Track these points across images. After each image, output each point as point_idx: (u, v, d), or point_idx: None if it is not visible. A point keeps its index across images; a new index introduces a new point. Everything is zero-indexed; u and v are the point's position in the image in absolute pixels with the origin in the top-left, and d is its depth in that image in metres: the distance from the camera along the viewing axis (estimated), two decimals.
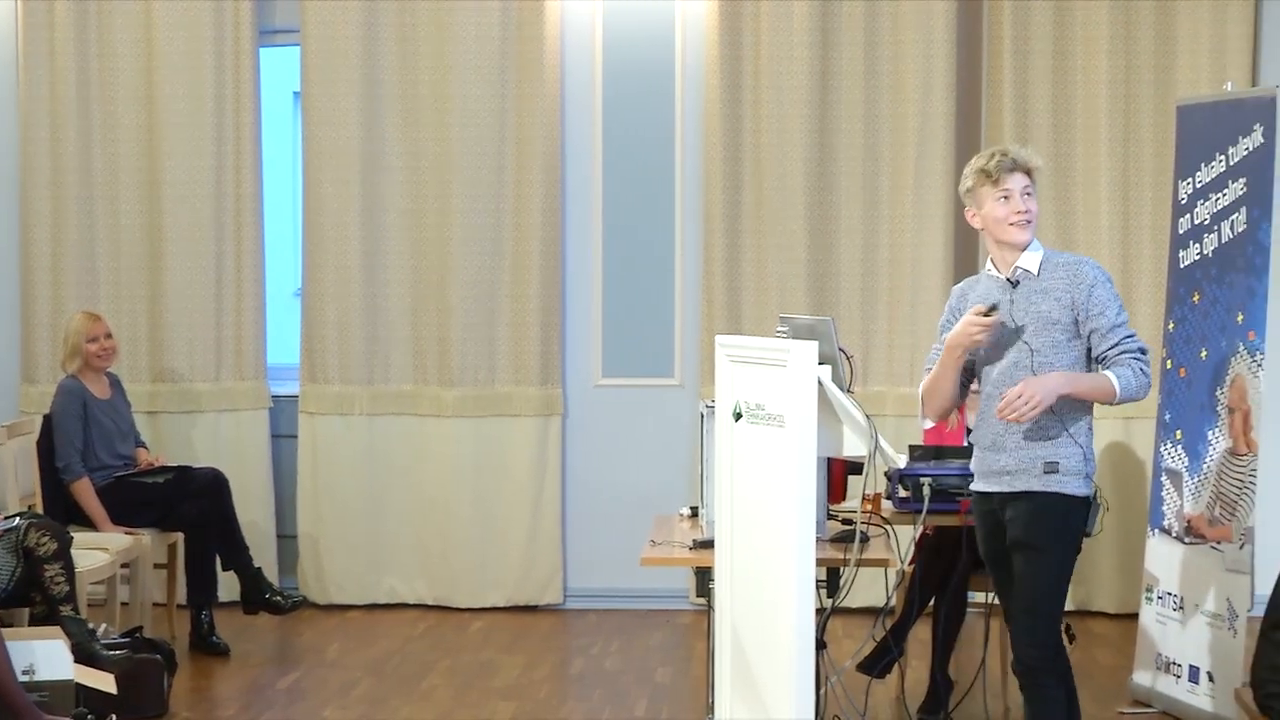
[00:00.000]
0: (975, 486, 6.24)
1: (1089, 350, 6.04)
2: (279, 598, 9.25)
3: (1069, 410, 6.03)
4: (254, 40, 10.12)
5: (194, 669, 8.81)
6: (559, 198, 10.07)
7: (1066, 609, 6.45)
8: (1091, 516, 6.15)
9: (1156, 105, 9.71)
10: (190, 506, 9.15)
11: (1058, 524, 6.05)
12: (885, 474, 7.38)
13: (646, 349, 10.17)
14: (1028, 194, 6.07)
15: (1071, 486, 6.03)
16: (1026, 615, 6.07)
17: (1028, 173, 6.08)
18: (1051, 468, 6.02)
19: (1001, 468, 6.09)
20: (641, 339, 10.16)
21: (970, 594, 7.98)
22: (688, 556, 6.82)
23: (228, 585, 9.51)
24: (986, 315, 5.95)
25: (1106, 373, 5.98)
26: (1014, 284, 6.06)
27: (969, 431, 8.04)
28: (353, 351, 10.13)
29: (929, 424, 6.43)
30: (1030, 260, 6.09)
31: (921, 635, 8.13)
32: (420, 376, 10.18)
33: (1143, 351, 6.02)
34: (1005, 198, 6.05)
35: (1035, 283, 6.05)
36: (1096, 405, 6.09)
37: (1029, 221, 6.07)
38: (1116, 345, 5.99)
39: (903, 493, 7.37)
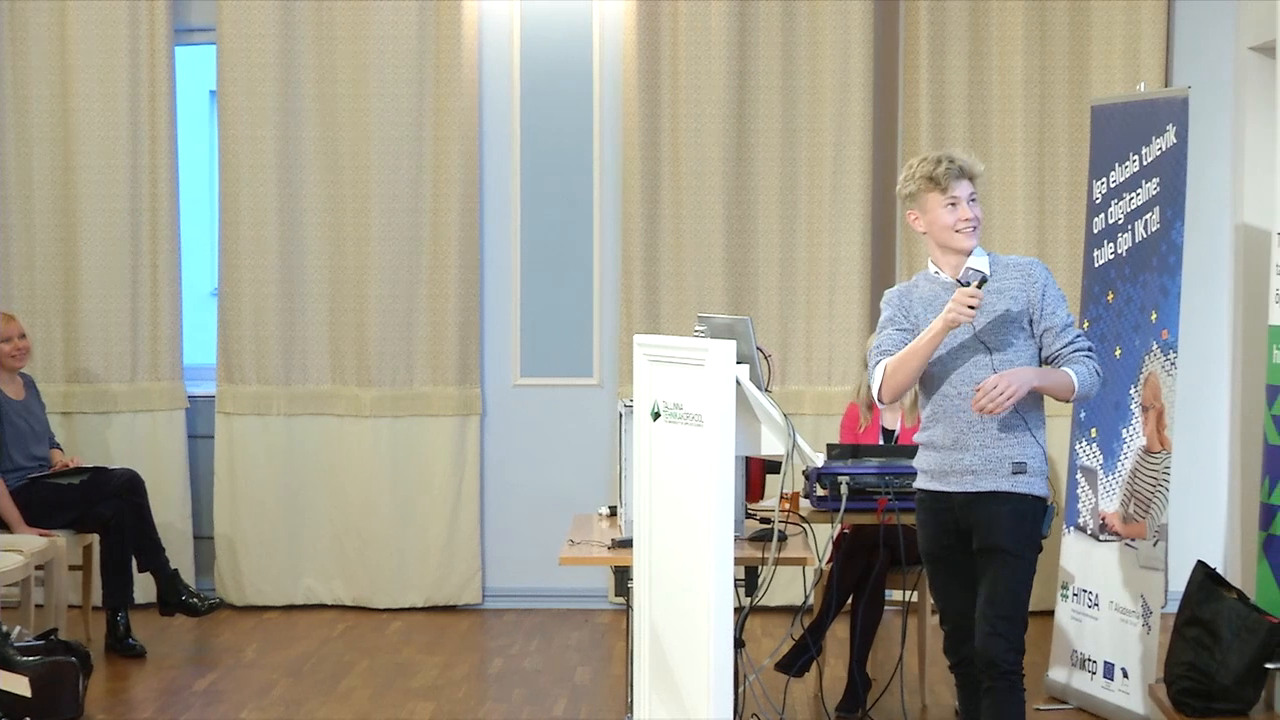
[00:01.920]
0: (928, 486, 6.19)
1: (1039, 350, 6.09)
2: (195, 599, 9.19)
3: (1031, 409, 6.07)
4: (169, 39, 10.06)
5: (110, 671, 8.75)
6: (477, 198, 10.06)
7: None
8: (1047, 518, 6.18)
9: (1071, 105, 9.78)
10: (106, 508, 9.09)
11: (1031, 527, 6.09)
12: (803, 473, 7.41)
13: (565, 348, 10.17)
14: (973, 200, 6.10)
15: (1037, 487, 6.08)
16: (1005, 621, 6.05)
17: (972, 179, 6.11)
18: (1019, 468, 6.05)
19: (965, 467, 6.08)
20: (560, 338, 10.16)
21: (888, 592, 8.01)
22: (606, 556, 6.83)
23: (144, 587, 9.44)
24: (978, 289, 5.93)
25: (1065, 369, 6.03)
26: (964, 285, 6.08)
27: (888, 433, 8.10)
28: (270, 351, 10.09)
29: (883, 405, 6.41)
30: (980, 262, 6.12)
31: (839, 633, 8.16)
32: (338, 376, 10.15)
33: (1091, 350, 6.08)
34: (953, 204, 6.08)
35: (988, 282, 6.07)
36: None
37: (975, 228, 6.10)
38: (1070, 344, 6.04)
39: (820, 491, 7.39)
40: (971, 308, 5.88)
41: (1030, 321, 6.06)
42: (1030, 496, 6.06)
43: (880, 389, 6.10)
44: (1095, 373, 6.05)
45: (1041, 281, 6.06)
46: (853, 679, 7.85)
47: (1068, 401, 6.15)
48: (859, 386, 8.31)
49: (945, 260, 6.14)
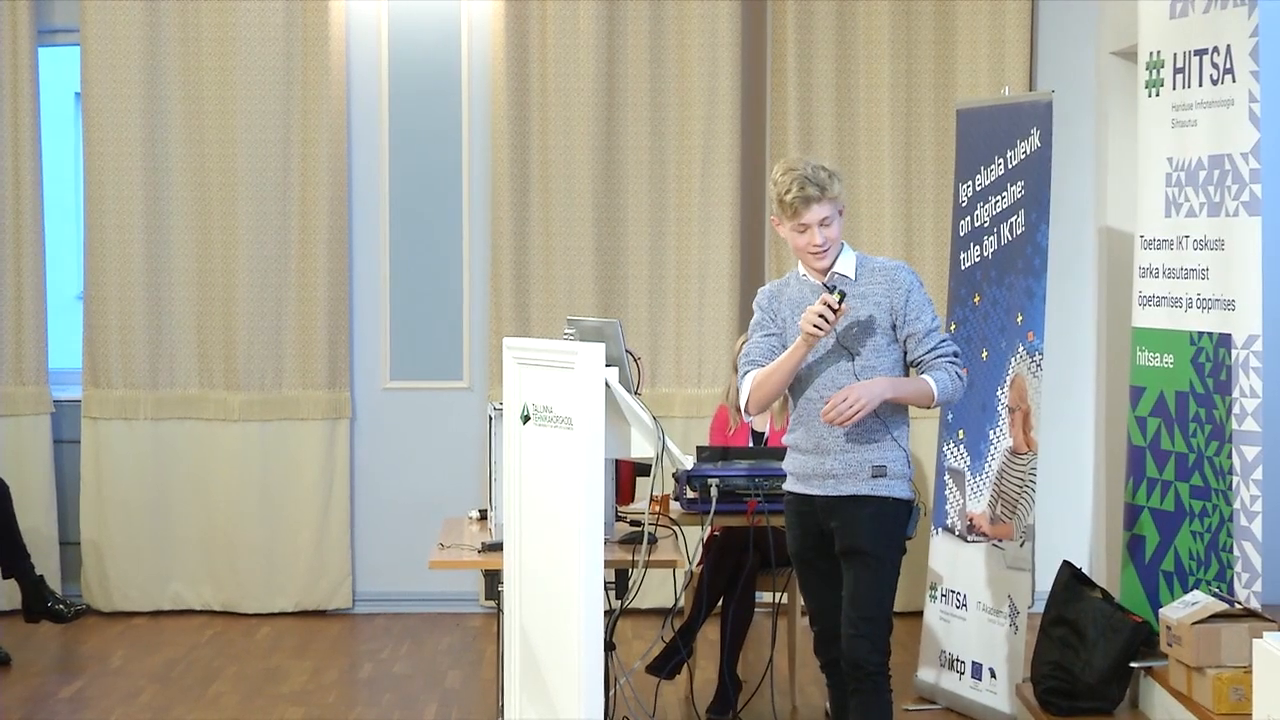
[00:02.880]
0: (793, 488, 6.22)
1: (904, 354, 6.12)
2: (61, 605, 9.09)
3: (891, 414, 6.08)
4: (32, 39, 9.93)
5: None
6: (345, 200, 10.01)
7: None
8: (912, 520, 6.21)
9: (937, 108, 9.86)
10: None
11: (891, 529, 6.12)
12: (673, 475, 7.42)
13: (435, 351, 10.14)
14: (825, 224, 6.06)
15: (899, 490, 6.10)
16: (868, 622, 6.08)
17: (828, 198, 6.04)
18: (879, 471, 6.07)
19: (826, 471, 6.10)
20: (429, 341, 10.13)
21: (758, 594, 8.03)
22: (476, 559, 6.83)
23: (8, 593, 9.34)
24: (838, 304, 5.90)
25: (925, 377, 6.05)
26: (830, 289, 6.09)
27: (758, 435, 8.12)
28: (136, 355, 9.99)
29: (750, 417, 6.43)
30: (845, 266, 6.13)
31: (710, 635, 8.18)
32: (206, 380, 10.06)
33: (956, 355, 6.11)
34: (803, 231, 6.09)
35: (852, 287, 6.08)
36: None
37: (826, 250, 6.08)
38: (933, 350, 6.06)
39: (690, 494, 7.42)
40: (827, 320, 5.88)
41: (894, 326, 6.09)
42: (891, 499, 6.10)
43: (747, 402, 6.13)
44: (957, 377, 6.08)
45: (906, 286, 6.08)
46: (723, 681, 7.86)
47: (928, 408, 6.20)
48: (728, 389, 8.33)
49: (810, 264, 6.18)
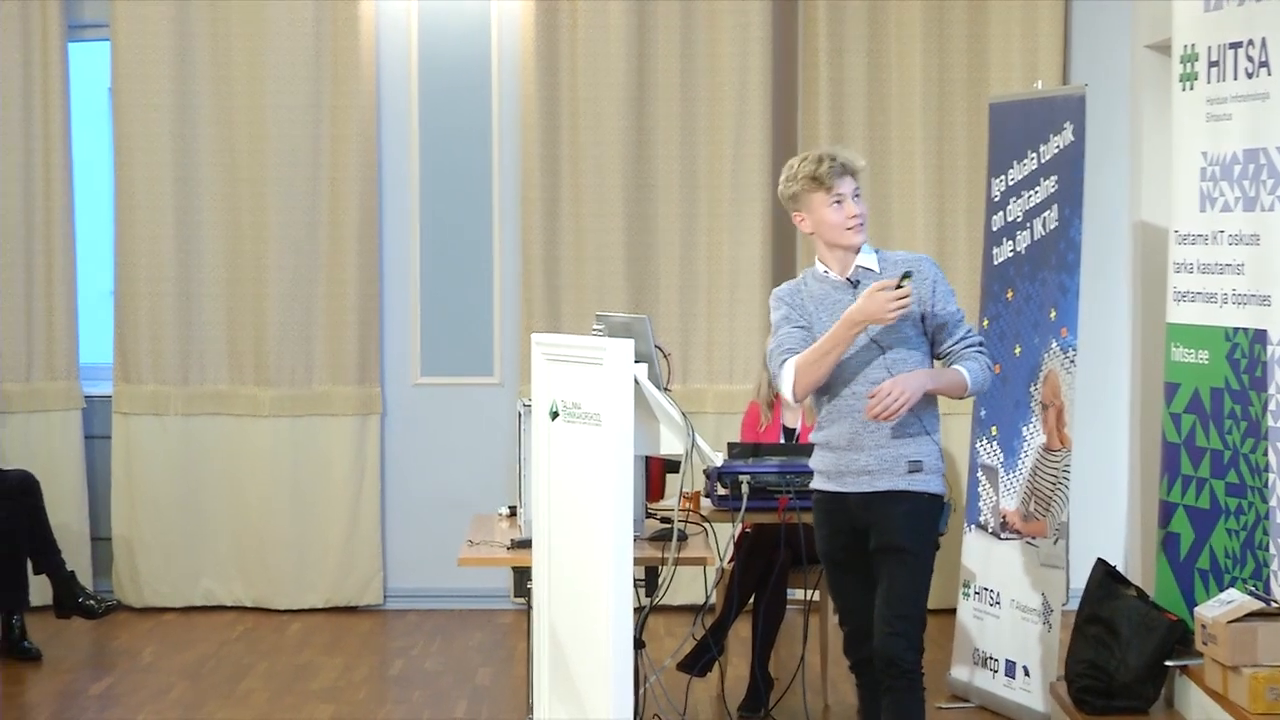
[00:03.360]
0: (824, 486, 6.17)
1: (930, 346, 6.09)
2: (92, 601, 9.10)
3: (924, 408, 6.05)
4: (63, 35, 9.93)
5: (5, 675, 8.63)
6: (375, 195, 10.00)
7: None
8: (944, 516, 6.18)
9: (970, 103, 9.81)
10: (0, 509, 8.97)
11: (928, 525, 6.09)
12: (704, 472, 7.38)
13: (465, 347, 10.12)
14: (857, 197, 6.07)
15: (934, 485, 6.07)
16: (903, 620, 6.03)
17: (855, 175, 6.08)
18: (916, 466, 6.03)
19: (861, 467, 6.05)
20: (460, 337, 10.11)
21: (790, 591, 7.99)
22: (505, 556, 6.79)
23: (40, 589, 9.31)
24: (899, 286, 5.84)
25: (957, 367, 6.04)
26: (854, 284, 6.06)
27: (789, 431, 8.09)
28: (167, 351, 9.99)
29: (796, 403, 6.34)
30: (869, 259, 6.11)
31: (742, 633, 8.15)
32: (236, 376, 10.06)
33: (982, 345, 6.11)
34: (838, 203, 6.05)
35: (875, 281, 6.05)
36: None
37: (863, 224, 6.08)
38: (962, 340, 6.05)
39: (721, 491, 7.37)
40: (901, 306, 5.85)
41: (922, 318, 6.05)
42: (927, 495, 6.06)
43: (795, 386, 6.02)
44: (987, 368, 6.08)
45: (932, 278, 6.04)
46: (755, 678, 7.83)
47: (961, 398, 6.16)
48: (759, 385, 8.30)
49: (833, 258, 6.12)
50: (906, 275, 5.88)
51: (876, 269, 6.08)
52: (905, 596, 6.06)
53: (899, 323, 5.97)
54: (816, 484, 6.21)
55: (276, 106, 9.90)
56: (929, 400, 6.05)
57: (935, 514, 6.11)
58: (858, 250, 6.09)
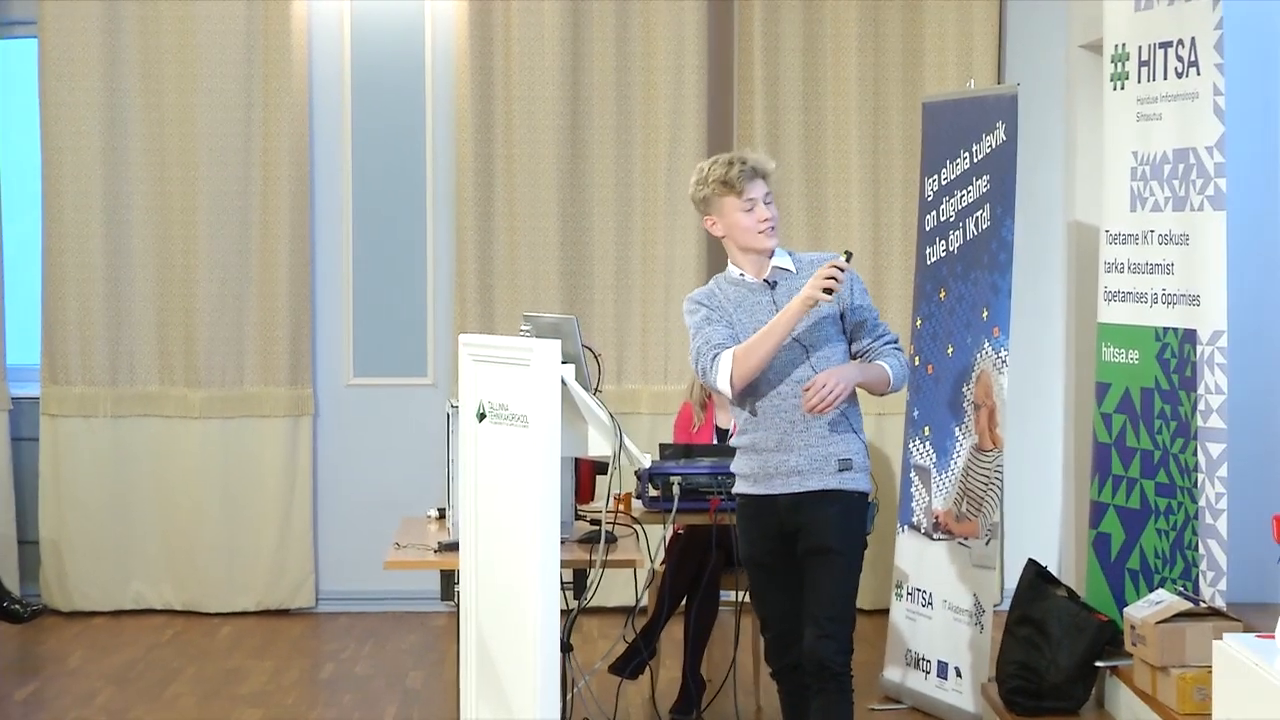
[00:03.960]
0: (749, 490, 6.14)
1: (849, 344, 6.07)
2: (17, 605, 9.02)
3: (851, 405, 6.05)
4: None
5: None
6: (307, 196, 9.93)
7: None
8: (870, 515, 6.16)
9: (905, 102, 9.80)
10: None
11: (857, 525, 6.08)
12: (635, 473, 7.34)
13: (398, 348, 10.06)
14: (769, 200, 6.06)
15: (863, 483, 6.06)
16: (834, 623, 6.01)
17: (765, 178, 6.06)
18: (845, 465, 6.01)
19: (791, 468, 6.02)
20: (393, 338, 10.05)
21: (722, 593, 7.96)
22: (432, 560, 6.75)
23: None
24: (846, 262, 5.89)
25: (879, 362, 6.03)
26: (772, 285, 6.04)
27: (722, 432, 8.05)
28: (95, 352, 9.89)
29: (732, 394, 6.26)
30: (784, 261, 6.10)
31: (675, 635, 8.10)
32: (166, 377, 9.97)
33: (897, 342, 6.12)
34: (749, 208, 6.03)
35: (795, 281, 6.04)
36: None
37: (774, 228, 6.07)
38: (880, 337, 6.06)
39: (653, 492, 7.33)
40: (836, 280, 5.82)
41: (842, 316, 6.04)
42: (856, 493, 6.04)
43: (731, 377, 5.95)
44: (906, 365, 6.10)
45: (850, 276, 6.01)
46: (687, 681, 7.79)
47: (882, 395, 6.15)
48: (691, 385, 8.26)
49: (747, 261, 6.11)
50: (848, 254, 5.91)
51: (793, 269, 6.06)
52: (836, 598, 6.03)
53: (821, 322, 5.97)
54: (740, 488, 6.18)
55: (207, 106, 9.83)
56: (853, 398, 6.04)
57: (863, 513, 6.10)
58: (771, 253, 6.06)
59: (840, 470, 6.01)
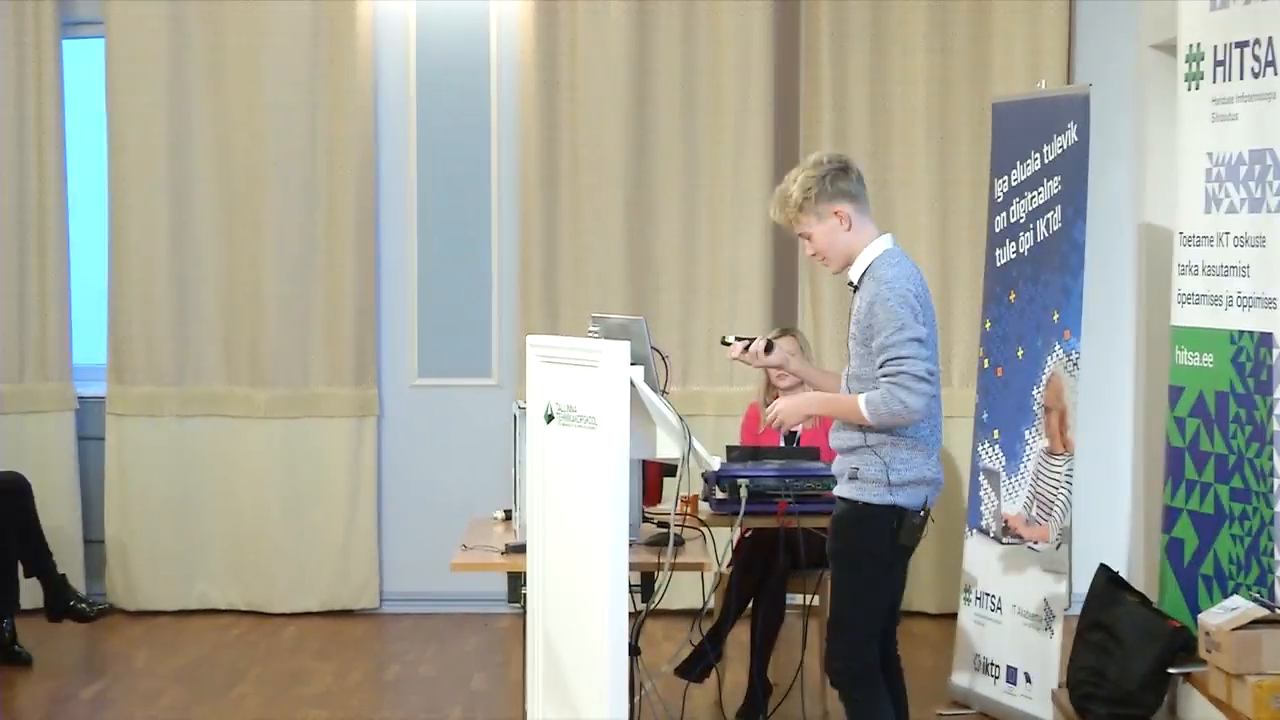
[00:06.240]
0: None
1: None
2: (84, 605, 9.01)
3: (869, 428, 5.98)
4: (56, 33, 9.86)
5: None
6: (373, 196, 9.91)
7: None
8: (886, 526, 6.03)
9: (973, 103, 9.72)
10: None
11: (854, 532, 6.03)
12: (702, 475, 7.29)
13: (463, 349, 10.04)
14: (805, 238, 6.13)
15: (870, 494, 5.97)
16: (830, 628, 6.10)
17: (789, 223, 6.12)
18: (855, 474, 6.01)
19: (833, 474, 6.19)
20: (458, 339, 10.03)
21: (789, 596, 7.91)
22: (499, 561, 6.71)
23: (31, 593, 9.22)
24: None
25: (859, 395, 5.95)
26: (855, 289, 6.09)
27: (790, 435, 8.00)
28: (161, 351, 9.91)
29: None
30: (855, 271, 6.09)
31: (741, 638, 8.06)
32: (231, 377, 9.97)
33: (907, 374, 5.85)
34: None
35: (856, 294, 6.07)
36: (935, 420, 6.02)
37: (824, 261, 6.15)
38: (881, 368, 5.92)
39: (720, 494, 7.28)
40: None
41: (871, 338, 5.99)
42: (861, 503, 5.99)
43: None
44: (891, 397, 5.85)
45: (869, 298, 5.96)
46: (753, 685, 7.75)
47: (871, 428, 5.97)
48: (761, 386, 8.22)
49: None
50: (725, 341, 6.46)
51: (856, 282, 6.12)
52: (833, 605, 6.14)
53: (856, 337, 6.01)
54: None
55: (273, 106, 9.83)
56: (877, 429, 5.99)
57: (865, 521, 6.00)
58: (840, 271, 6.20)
59: (850, 479, 6.04)
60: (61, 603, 8.99)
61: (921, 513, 5.98)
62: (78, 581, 9.61)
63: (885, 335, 5.88)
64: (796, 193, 6.03)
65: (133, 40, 9.80)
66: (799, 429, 8.02)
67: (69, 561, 9.62)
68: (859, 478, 5.99)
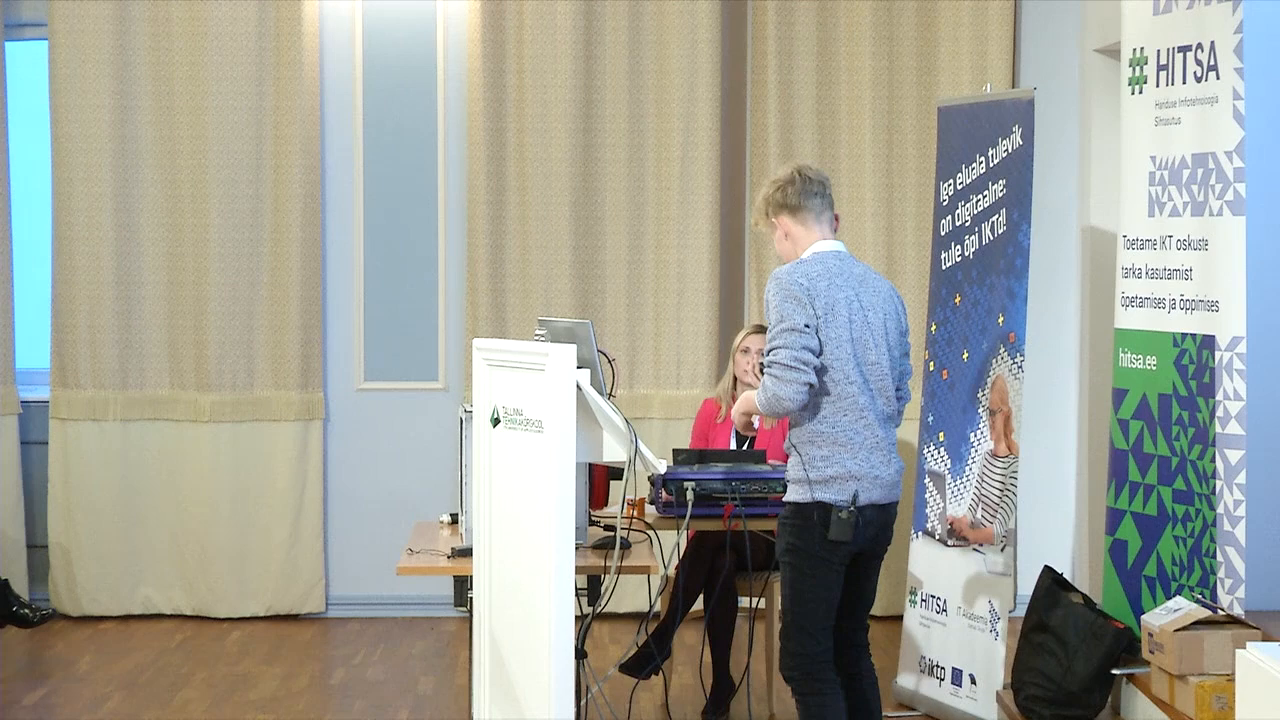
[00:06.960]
0: None
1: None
2: (27, 610, 8.97)
3: (791, 424, 6.11)
4: None
5: None
6: (319, 199, 9.88)
7: None
8: (804, 524, 6.06)
9: (919, 107, 9.75)
10: None
11: (785, 531, 6.13)
12: (649, 479, 7.29)
13: (409, 352, 10.01)
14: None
15: (795, 493, 6.08)
16: (780, 627, 6.16)
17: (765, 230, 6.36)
18: (788, 474, 6.14)
19: None
20: (404, 342, 10.00)
21: (740, 599, 7.91)
22: (445, 565, 6.70)
23: None
24: None
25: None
26: None
27: (740, 437, 8.00)
28: (105, 355, 9.85)
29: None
30: None
31: (688, 640, 8.06)
32: (176, 381, 9.93)
33: (777, 364, 5.94)
34: None
35: None
36: (855, 415, 6.03)
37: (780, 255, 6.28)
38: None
39: (666, 497, 7.28)
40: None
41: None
42: (789, 502, 6.12)
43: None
44: (766, 389, 5.98)
45: (767, 298, 6.12)
46: (718, 679, 7.75)
47: (793, 429, 6.12)
48: (725, 377, 8.21)
49: None
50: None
51: None
52: (781, 606, 6.24)
53: None
54: None
55: (218, 108, 9.78)
56: (794, 419, 6.08)
57: (795, 519, 6.09)
58: None
59: (789, 481, 6.16)
60: (4, 608, 8.94)
61: (851, 508, 5.99)
62: (21, 587, 9.58)
63: (771, 332, 6.00)
64: (759, 205, 6.27)
65: (77, 42, 9.75)
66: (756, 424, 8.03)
67: (11, 566, 9.58)
68: (790, 479, 6.09)
